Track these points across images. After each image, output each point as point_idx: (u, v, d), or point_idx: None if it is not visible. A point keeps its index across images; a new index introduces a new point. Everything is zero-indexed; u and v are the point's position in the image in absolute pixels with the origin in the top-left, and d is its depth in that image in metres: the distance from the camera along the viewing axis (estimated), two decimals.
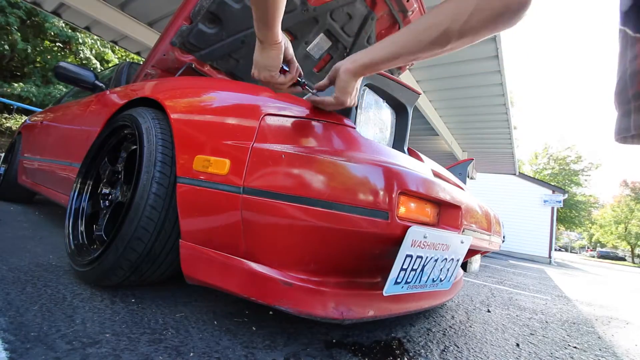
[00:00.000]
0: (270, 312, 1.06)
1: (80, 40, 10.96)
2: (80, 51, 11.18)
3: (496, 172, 10.77)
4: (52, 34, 10.78)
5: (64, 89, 10.38)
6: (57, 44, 11.35)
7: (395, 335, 1.08)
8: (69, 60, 11.15)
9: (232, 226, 0.80)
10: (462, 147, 7.92)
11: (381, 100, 1.06)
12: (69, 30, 10.47)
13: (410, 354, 0.96)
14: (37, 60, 10.86)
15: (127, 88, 1.56)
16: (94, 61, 11.48)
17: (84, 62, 11.19)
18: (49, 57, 10.76)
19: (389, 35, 0.69)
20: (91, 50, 11.44)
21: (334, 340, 0.94)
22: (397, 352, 0.95)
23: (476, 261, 1.46)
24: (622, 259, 45.94)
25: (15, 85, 9.92)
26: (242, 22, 1.46)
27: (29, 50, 10.45)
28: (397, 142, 1.12)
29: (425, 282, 0.85)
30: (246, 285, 0.78)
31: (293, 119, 0.83)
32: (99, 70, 10.92)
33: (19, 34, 9.89)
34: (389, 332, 1.09)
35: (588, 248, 60.53)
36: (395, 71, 2.17)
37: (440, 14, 0.61)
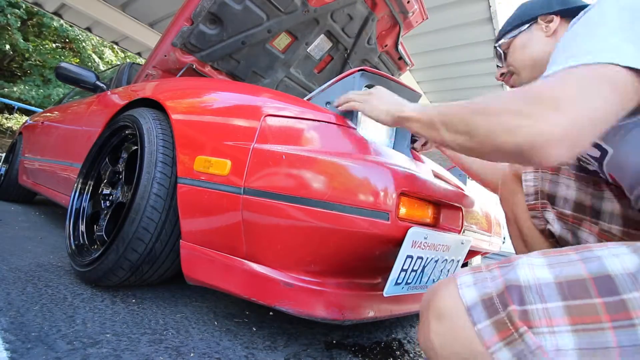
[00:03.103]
0: (271, 313, 1.06)
1: (81, 37, 10.97)
2: (82, 49, 11.20)
3: None
4: (53, 32, 10.77)
5: (62, 90, 10.37)
6: (57, 44, 11.35)
7: (395, 337, 1.08)
8: (68, 57, 11.15)
9: (233, 227, 0.80)
10: None
11: None
12: (69, 27, 10.45)
13: (411, 355, 0.96)
14: (36, 59, 10.84)
15: (128, 89, 1.57)
16: (94, 57, 11.49)
17: (86, 62, 11.20)
18: (48, 56, 10.75)
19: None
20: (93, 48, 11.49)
21: (334, 341, 0.94)
22: (398, 353, 0.95)
23: (477, 262, 1.46)
24: None
25: (15, 89, 9.90)
26: (243, 23, 1.47)
27: (30, 49, 10.43)
28: (399, 143, 1.12)
29: (426, 283, 0.85)
30: (247, 285, 0.78)
31: (294, 120, 0.83)
32: (99, 68, 10.90)
33: (19, 33, 9.86)
34: (389, 333, 1.09)
35: None
36: (395, 71, 2.17)
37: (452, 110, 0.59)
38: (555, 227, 0.80)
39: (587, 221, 0.74)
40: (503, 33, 0.88)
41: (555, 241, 0.83)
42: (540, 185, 0.82)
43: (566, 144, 0.44)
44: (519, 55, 0.83)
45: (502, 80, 0.91)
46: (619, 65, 0.44)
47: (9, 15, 9.39)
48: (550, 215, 0.81)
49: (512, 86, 0.90)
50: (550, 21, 0.79)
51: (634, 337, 0.31)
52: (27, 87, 10.17)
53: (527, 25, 0.82)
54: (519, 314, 0.35)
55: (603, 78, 0.44)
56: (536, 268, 0.38)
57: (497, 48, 0.89)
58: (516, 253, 0.96)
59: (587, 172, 0.75)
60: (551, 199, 0.81)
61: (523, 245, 0.92)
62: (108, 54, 12.17)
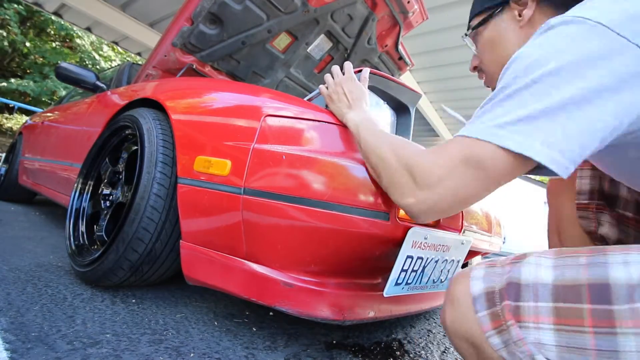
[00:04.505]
0: (271, 313, 1.06)
1: (78, 36, 11.00)
2: (80, 46, 11.21)
3: None
4: (52, 32, 10.78)
5: (60, 83, 10.37)
6: (56, 42, 11.36)
7: (395, 337, 1.08)
8: (66, 52, 11.14)
9: (233, 227, 0.80)
10: None
11: (382, 101, 1.07)
12: (67, 26, 10.46)
13: (411, 355, 0.96)
14: (35, 56, 10.83)
15: (128, 89, 1.57)
16: (94, 55, 11.50)
17: (84, 59, 11.20)
18: (48, 53, 10.74)
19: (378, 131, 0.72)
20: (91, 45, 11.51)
21: (334, 342, 0.94)
22: (398, 353, 0.95)
23: (477, 262, 1.46)
24: None
25: (13, 81, 9.90)
26: (243, 23, 1.47)
27: (28, 44, 10.42)
28: None
29: (426, 283, 0.85)
30: (247, 286, 0.78)
31: (294, 120, 0.83)
32: (97, 66, 10.90)
33: (17, 29, 9.84)
34: (389, 334, 1.09)
35: None
36: (395, 71, 2.17)
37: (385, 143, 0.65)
38: (609, 230, 0.75)
39: None
40: (471, 16, 0.71)
41: (606, 244, 0.78)
42: (599, 184, 0.76)
43: (433, 214, 0.55)
44: (486, 54, 0.69)
45: (475, 73, 0.76)
46: (491, 143, 0.47)
47: (8, 12, 9.34)
48: (605, 217, 0.76)
49: (485, 83, 0.74)
50: (525, 5, 0.61)
51: (613, 343, 0.34)
52: (25, 80, 10.19)
53: (497, 10, 0.65)
54: (512, 308, 0.40)
55: (473, 158, 0.49)
56: (541, 268, 0.41)
57: (465, 38, 0.73)
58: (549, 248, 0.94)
59: None
60: (611, 200, 0.75)
61: (559, 244, 0.88)
62: (106, 50, 12.22)
